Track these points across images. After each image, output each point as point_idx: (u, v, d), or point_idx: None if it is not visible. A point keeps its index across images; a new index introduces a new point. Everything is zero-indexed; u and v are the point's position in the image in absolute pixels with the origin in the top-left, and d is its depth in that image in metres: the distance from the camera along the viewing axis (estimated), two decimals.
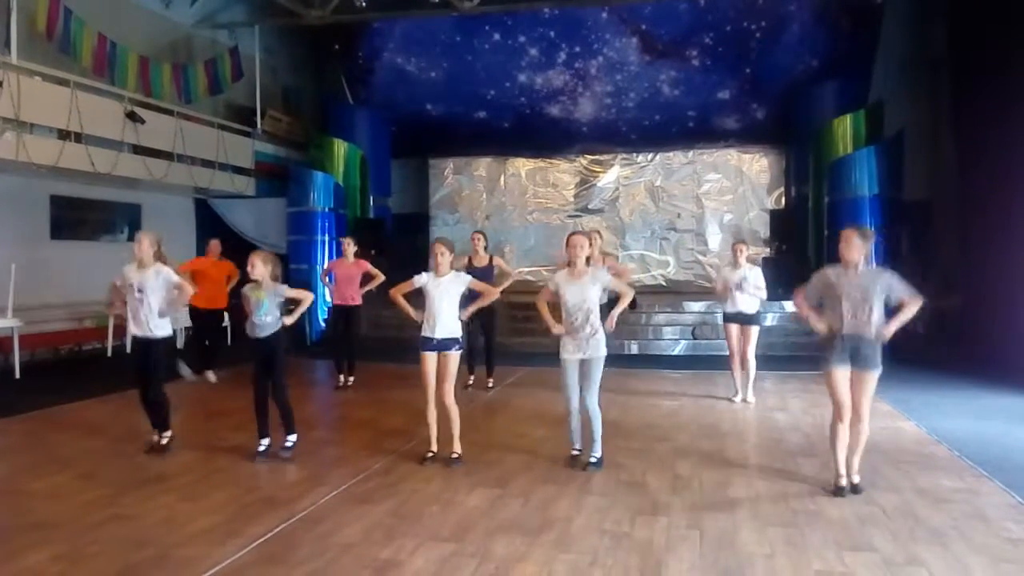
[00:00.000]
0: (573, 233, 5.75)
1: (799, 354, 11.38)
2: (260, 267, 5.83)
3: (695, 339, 12.07)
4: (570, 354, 5.61)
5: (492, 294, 6.23)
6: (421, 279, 5.79)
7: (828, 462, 5.72)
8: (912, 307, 4.95)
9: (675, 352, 11.96)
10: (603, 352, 5.62)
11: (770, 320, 11.98)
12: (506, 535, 4.29)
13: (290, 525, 4.46)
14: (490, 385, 8.90)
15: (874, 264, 4.99)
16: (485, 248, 8.79)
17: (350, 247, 9.19)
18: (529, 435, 6.69)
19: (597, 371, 5.60)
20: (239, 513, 4.66)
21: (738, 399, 8.24)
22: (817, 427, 7.00)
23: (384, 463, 5.75)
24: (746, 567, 3.89)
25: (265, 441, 5.92)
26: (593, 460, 5.62)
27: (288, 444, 5.92)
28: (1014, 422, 7.18)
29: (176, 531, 4.37)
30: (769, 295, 8.37)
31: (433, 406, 5.82)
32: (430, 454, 5.79)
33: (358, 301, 8.96)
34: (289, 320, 5.98)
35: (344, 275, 8.94)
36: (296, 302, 6.09)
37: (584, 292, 5.56)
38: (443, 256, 5.74)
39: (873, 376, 5.00)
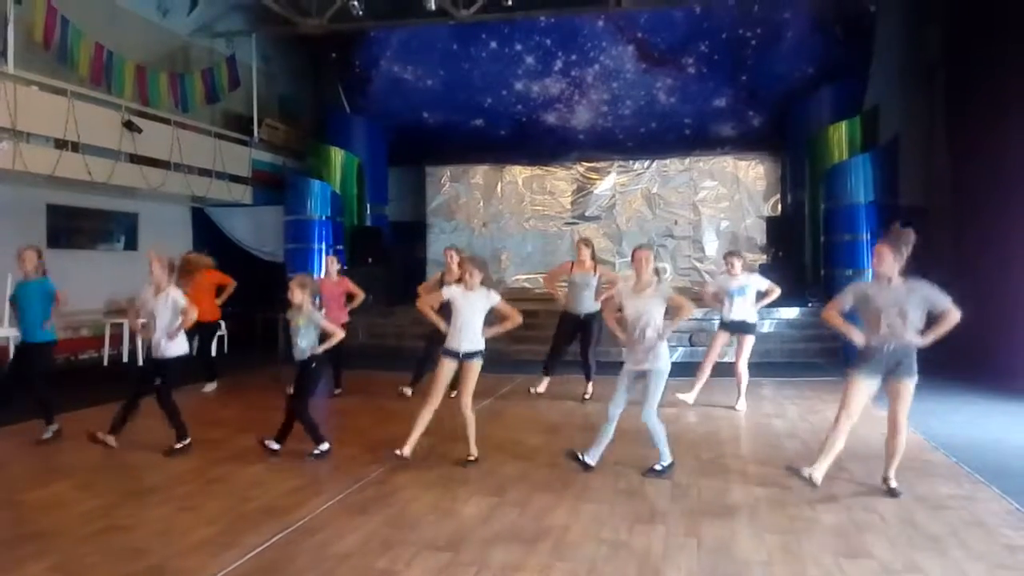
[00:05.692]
0: (637, 248, 5.76)
1: (796, 360, 11.41)
2: (299, 294, 6.07)
3: (692, 346, 12.05)
4: (628, 365, 5.69)
5: (515, 320, 5.97)
6: (451, 291, 5.86)
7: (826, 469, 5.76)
8: (951, 318, 4.92)
9: (672, 359, 11.89)
10: (663, 366, 5.62)
11: (767, 327, 11.99)
12: (503, 544, 4.29)
13: (287, 535, 4.45)
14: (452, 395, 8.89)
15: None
16: (459, 263, 8.70)
17: (333, 265, 9.14)
18: (525, 443, 6.69)
19: (656, 384, 5.62)
20: (236, 523, 4.65)
21: (685, 398, 8.24)
22: (815, 434, 7.00)
23: (381, 472, 5.74)
24: (744, 575, 3.88)
25: (274, 445, 6.16)
26: (657, 468, 5.62)
27: (316, 452, 6.13)
28: (1011, 429, 7.19)
29: (173, 541, 4.36)
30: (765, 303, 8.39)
31: (432, 409, 5.90)
32: (399, 452, 5.85)
33: (344, 319, 8.65)
34: (320, 350, 6.17)
35: (330, 294, 8.81)
36: (327, 334, 6.24)
37: (643, 307, 5.56)
38: (472, 276, 5.79)
39: (910, 385, 5.06)
